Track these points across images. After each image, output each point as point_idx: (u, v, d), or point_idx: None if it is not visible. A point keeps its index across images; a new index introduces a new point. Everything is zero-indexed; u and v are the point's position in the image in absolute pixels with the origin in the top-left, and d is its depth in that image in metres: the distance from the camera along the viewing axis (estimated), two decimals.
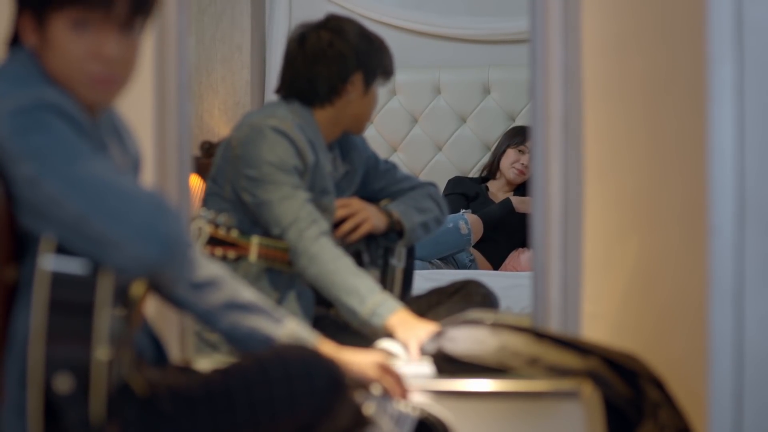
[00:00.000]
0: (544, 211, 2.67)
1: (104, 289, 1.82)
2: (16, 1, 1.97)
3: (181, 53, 2.69)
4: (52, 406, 1.82)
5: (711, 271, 2.29)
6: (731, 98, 2.28)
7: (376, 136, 5.49)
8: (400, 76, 5.65)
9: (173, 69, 2.68)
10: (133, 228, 1.81)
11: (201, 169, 4.79)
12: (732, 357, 2.27)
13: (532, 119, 2.70)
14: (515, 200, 4.98)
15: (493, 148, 5.29)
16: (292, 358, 2.01)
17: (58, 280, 1.81)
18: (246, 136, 3.04)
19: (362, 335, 3.02)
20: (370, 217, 3.23)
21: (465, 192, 5.10)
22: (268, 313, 2.19)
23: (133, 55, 1.96)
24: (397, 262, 3.36)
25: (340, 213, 3.19)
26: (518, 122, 5.41)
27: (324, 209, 3.09)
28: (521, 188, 5.07)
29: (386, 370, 2.28)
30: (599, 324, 2.65)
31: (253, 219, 3.04)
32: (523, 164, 5.02)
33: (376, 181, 3.35)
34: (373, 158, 3.36)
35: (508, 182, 5.09)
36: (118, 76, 1.95)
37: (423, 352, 2.75)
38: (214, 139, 5.28)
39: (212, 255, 2.95)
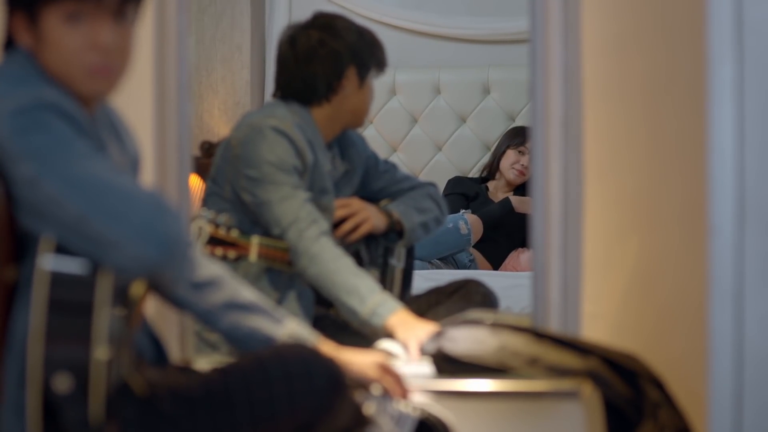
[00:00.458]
0: (544, 211, 2.67)
1: (103, 289, 1.82)
2: (6, 2, 1.97)
3: (181, 53, 2.69)
4: (51, 406, 1.82)
5: (711, 271, 2.29)
6: (731, 98, 2.28)
7: (376, 136, 5.49)
8: (400, 76, 5.67)
9: (173, 69, 2.68)
10: (132, 228, 1.81)
11: (201, 169, 4.79)
12: (732, 357, 2.27)
13: (532, 119, 2.70)
14: (514, 200, 4.98)
15: (492, 149, 5.29)
16: (291, 357, 2.00)
17: (58, 279, 1.81)
18: (245, 136, 3.04)
19: (362, 335, 3.02)
20: (370, 218, 3.23)
21: (465, 192, 5.10)
22: (269, 313, 2.19)
23: (128, 42, 1.97)
24: (397, 262, 3.36)
25: (340, 213, 3.19)
26: (518, 122, 5.41)
27: (323, 209, 3.09)
28: (521, 188, 5.07)
29: (386, 370, 2.28)
30: (599, 324, 2.65)
31: (253, 219, 3.04)
32: (523, 165, 5.02)
33: (375, 181, 3.35)
34: (373, 158, 3.36)
35: (508, 182, 5.09)
36: (116, 65, 1.96)
37: (423, 352, 2.75)
38: (214, 139, 5.28)
39: (212, 255, 2.95)
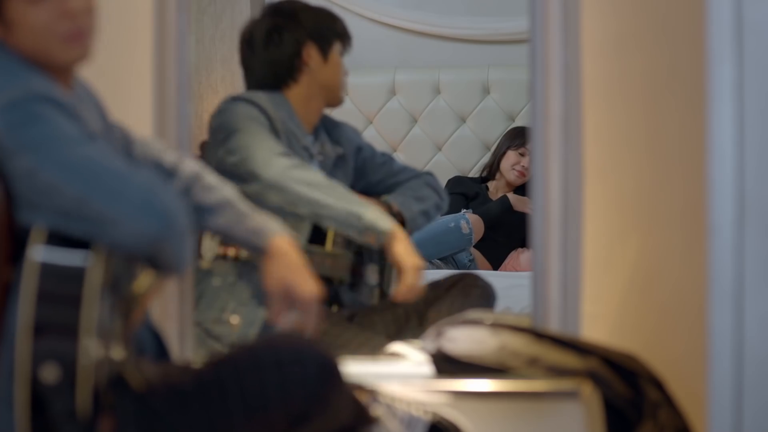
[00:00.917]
0: (544, 211, 2.67)
1: (93, 281, 1.83)
2: None
3: (181, 53, 2.69)
4: (40, 399, 1.82)
5: (711, 271, 2.29)
6: (731, 98, 2.28)
7: (375, 136, 5.49)
8: (399, 76, 5.67)
9: (173, 69, 2.68)
10: (130, 204, 1.84)
11: None
12: (732, 357, 2.27)
13: (532, 119, 2.70)
14: (513, 198, 4.98)
15: (493, 149, 5.29)
16: (283, 345, 2.00)
17: (47, 271, 1.83)
18: (217, 108, 3.13)
19: (363, 330, 3.02)
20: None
21: (465, 192, 5.10)
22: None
23: (92, 2, 1.99)
24: None
25: None
26: (518, 122, 5.41)
27: None
28: (521, 188, 5.07)
29: (290, 294, 2.21)
30: (599, 324, 2.65)
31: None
32: (523, 166, 5.02)
33: (372, 173, 3.35)
34: (369, 150, 3.37)
35: (508, 183, 5.09)
36: (87, 27, 1.98)
37: (423, 352, 2.75)
38: None
39: (225, 255, 2.94)
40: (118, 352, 1.93)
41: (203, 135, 5.33)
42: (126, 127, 2.20)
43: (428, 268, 4.71)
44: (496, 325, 2.57)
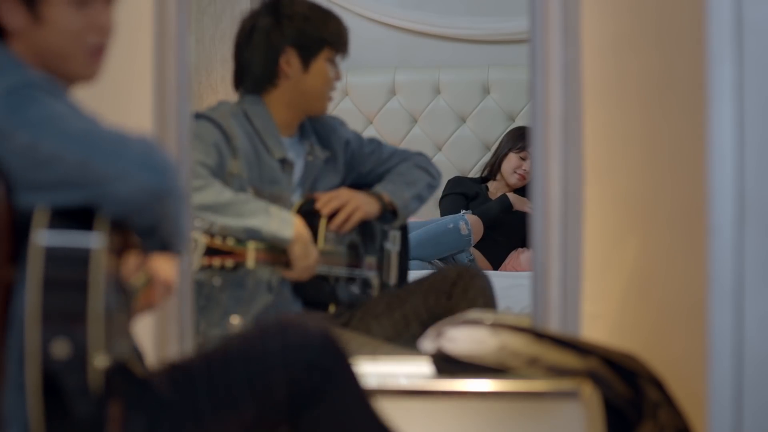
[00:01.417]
0: (544, 211, 2.67)
1: (99, 263, 1.84)
2: None
3: (181, 53, 2.69)
4: (52, 382, 1.83)
5: (711, 271, 2.29)
6: (731, 98, 2.28)
7: (376, 136, 5.48)
8: (399, 76, 5.67)
9: (173, 69, 2.68)
10: (131, 160, 1.87)
11: None
12: (732, 357, 2.27)
13: (532, 119, 2.70)
14: (512, 197, 4.98)
15: (494, 149, 5.28)
16: (288, 319, 2.01)
17: (52, 255, 1.84)
18: None
19: (360, 334, 3.02)
20: (360, 205, 3.21)
21: (465, 192, 5.10)
22: None
23: (114, 22, 2.04)
24: (392, 246, 3.35)
25: (331, 205, 3.17)
26: (518, 122, 5.41)
27: (275, 198, 3.07)
28: (521, 189, 5.07)
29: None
30: (599, 324, 2.65)
31: None
32: (525, 170, 5.02)
33: (362, 164, 3.32)
34: (356, 140, 3.33)
35: (509, 185, 5.09)
36: (107, 44, 2.02)
37: (423, 352, 2.75)
38: None
39: (210, 266, 2.94)
40: (124, 342, 1.94)
41: None
42: None
43: (428, 268, 4.71)
44: (496, 325, 2.57)
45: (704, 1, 2.29)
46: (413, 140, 5.53)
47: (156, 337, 2.64)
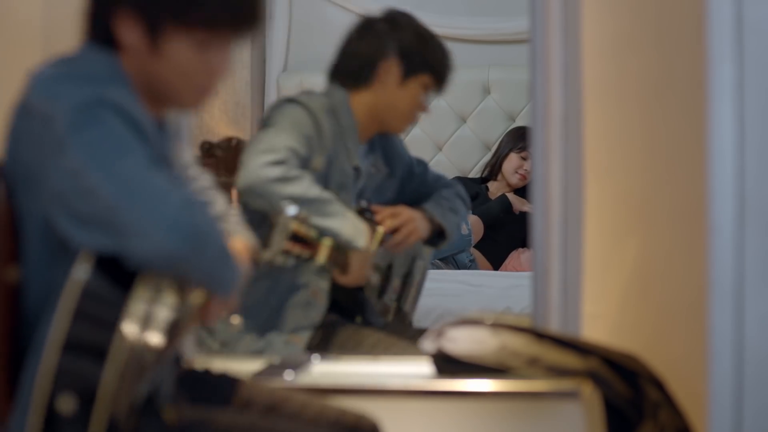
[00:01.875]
0: (544, 211, 2.67)
1: (135, 311, 1.81)
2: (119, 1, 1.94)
3: None
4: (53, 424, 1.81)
5: (711, 271, 2.29)
6: (731, 98, 2.28)
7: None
8: None
9: None
10: (161, 218, 1.81)
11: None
12: (732, 357, 2.27)
13: (532, 119, 2.70)
14: (511, 197, 4.98)
15: (494, 149, 5.28)
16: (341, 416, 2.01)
17: (89, 293, 1.80)
18: (272, 103, 3.13)
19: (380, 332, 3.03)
20: (418, 229, 3.19)
21: None
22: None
23: (229, 64, 2.00)
24: (418, 273, 3.36)
25: (393, 223, 3.14)
26: (518, 122, 5.41)
27: None
28: (521, 190, 5.07)
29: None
30: (599, 324, 2.65)
31: None
32: (526, 170, 5.02)
33: (410, 183, 3.33)
34: (411, 161, 3.34)
35: (510, 184, 5.09)
36: (215, 89, 1.99)
37: (423, 352, 2.75)
38: (214, 139, 5.28)
39: (290, 252, 2.91)
40: (147, 378, 1.88)
41: (203, 135, 5.33)
42: (193, 174, 2.20)
43: (429, 268, 4.71)
44: (497, 325, 2.57)
45: (704, 1, 2.29)
46: (413, 140, 5.54)
47: None
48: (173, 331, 1.88)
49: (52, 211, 1.86)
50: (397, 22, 3.16)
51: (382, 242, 3.10)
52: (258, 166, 2.92)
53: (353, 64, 3.12)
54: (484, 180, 5.18)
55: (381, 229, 3.08)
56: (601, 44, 2.67)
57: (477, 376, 2.55)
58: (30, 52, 2.82)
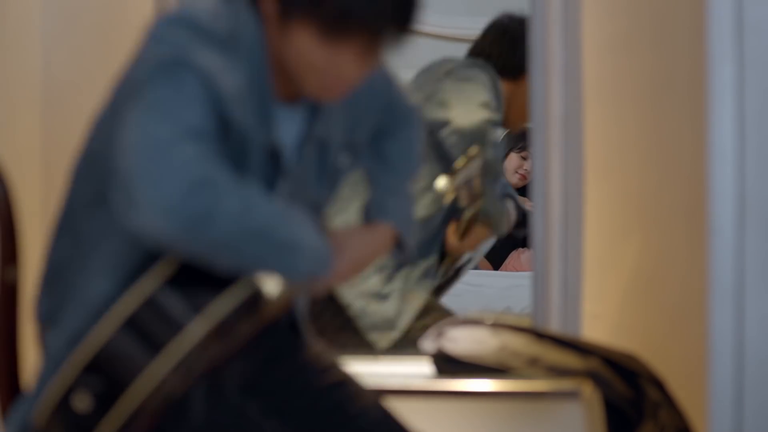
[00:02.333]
0: (544, 211, 2.67)
1: (186, 340, 1.70)
2: None
3: None
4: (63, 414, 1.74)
5: (711, 271, 2.29)
6: (731, 98, 2.28)
7: None
8: (400, 76, 5.65)
9: None
10: (159, 198, 1.66)
11: None
12: (732, 357, 2.27)
13: (532, 119, 2.70)
14: None
15: None
16: None
17: (151, 306, 1.70)
18: None
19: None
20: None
21: None
22: None
23: (362, 77, 1.84)
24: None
25: None
26: None
27: None
28: (521, 189, 5.06)
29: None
30: (599, 324, 2.65)
31: None
32: (526, 170, 5.02)
33: None
34: None
35: (510, 184, 5.09)
36: (347, 91, 1.85)
37: (423, 352, 2.75)
38: None
39: (459, 193, 2.93)
40: (188, 381, 1.77)
41: None
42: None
43: None
44: (497, 325, 2.57)
45: (704, 1, 2.29)
46: None
47: None
48: (236, 332, 1.76)
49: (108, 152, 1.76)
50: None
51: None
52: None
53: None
54: None
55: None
56: (601, 44, 2.67)
57: (477, 376, 2.55)
58: (30, 52, 2.82)
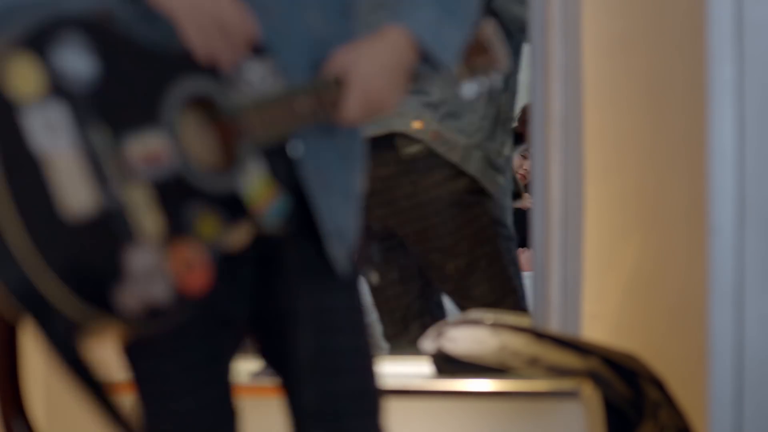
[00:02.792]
0: (544, 211, 2.67)
1: None
2: None
3: None
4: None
5: (711, 271, 2.29)
6: (731, 98, 2.28)
7: None
8: None
9: None
10: None
11: None
12: (732, 357, 2.27)
13: (532, 119, 2.70)
14: None
15: None
16: None
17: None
18: None
19: None
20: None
21: None
22: None
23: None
24: None
25: None
26: (518, 122, 5.40)
27: None
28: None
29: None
30: (599, 324, 2.65)
31: None
32: (526, 170, 5.02)
33: None
34: None
35: None
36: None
37: (423, 352, 2.75)
38: None
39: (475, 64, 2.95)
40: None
41: None
42: None
43: None
44: (497, 325, 2.57)
45: (704, 1, 2.29)
46: None
47: None
48: None
49: None
50: None
51: None
52: None
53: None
54: None
55: None
56: (600, 44, 2.67)
57: (477, 376, 2.55)
58: None
